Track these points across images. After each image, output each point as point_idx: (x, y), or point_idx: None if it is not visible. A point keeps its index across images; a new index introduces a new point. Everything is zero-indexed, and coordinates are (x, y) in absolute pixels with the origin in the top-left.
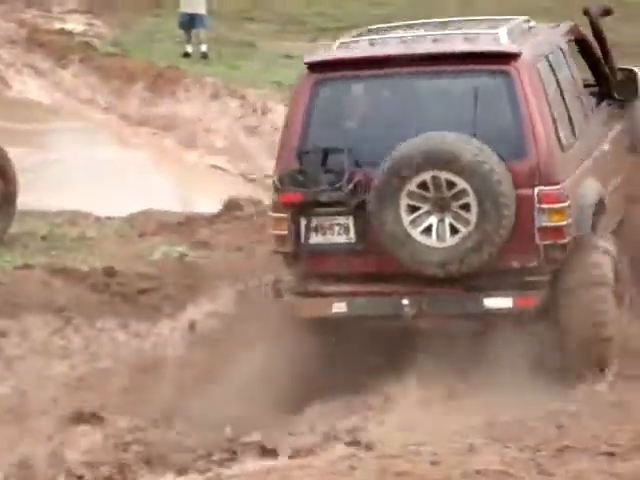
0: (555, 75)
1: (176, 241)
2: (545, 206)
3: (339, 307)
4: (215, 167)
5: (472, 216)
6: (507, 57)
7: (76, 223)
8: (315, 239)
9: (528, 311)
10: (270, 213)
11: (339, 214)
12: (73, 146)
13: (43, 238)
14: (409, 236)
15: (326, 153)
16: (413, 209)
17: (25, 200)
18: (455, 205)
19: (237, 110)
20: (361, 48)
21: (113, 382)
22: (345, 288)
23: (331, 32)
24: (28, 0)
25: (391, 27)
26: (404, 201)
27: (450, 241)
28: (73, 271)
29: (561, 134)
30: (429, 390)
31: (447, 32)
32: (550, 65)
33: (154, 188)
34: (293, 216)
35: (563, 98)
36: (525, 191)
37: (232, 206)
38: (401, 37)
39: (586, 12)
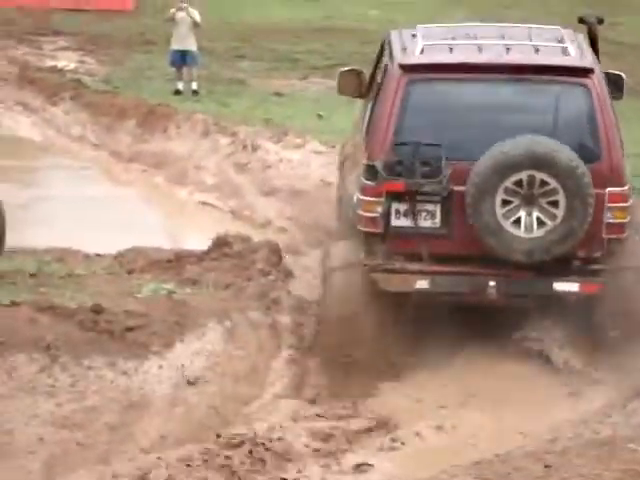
0: (606, 84)
1: (165, 278)
2: (613, 205)
3: (421, 284)
4: (205, 204)
5: (559, 212)
6: (586, 71)
7: (65, 260)
8: (403, 222)
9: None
10: (361, 196)
11: (428, 202)
12: (63, 183)
13: (32, 275)
14: (501, 227)
15: (419, 146)
16: (506, 203)
17: (14, 237)
18: (543, 201)
19: (227, 147)
20: (445, 52)
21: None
22: (427, 267)
23: (322, 70)
24: (19, 38)
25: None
26: (500, 196)
27: (537, 232)
28: (61, 308)
29: (621, 138)
30: None
31: (517, 42)
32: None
33: (144, 225)
34: (387, 201)
35: (611, 104)
36: (598, 191)
37: (221, 243)
38: (477, 44)
39: (583, 20)
